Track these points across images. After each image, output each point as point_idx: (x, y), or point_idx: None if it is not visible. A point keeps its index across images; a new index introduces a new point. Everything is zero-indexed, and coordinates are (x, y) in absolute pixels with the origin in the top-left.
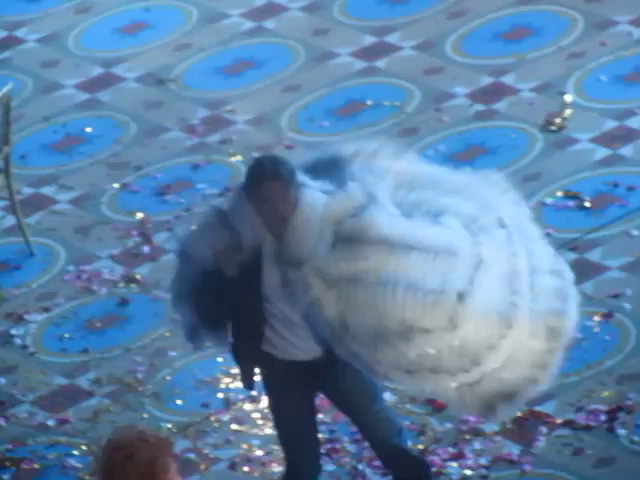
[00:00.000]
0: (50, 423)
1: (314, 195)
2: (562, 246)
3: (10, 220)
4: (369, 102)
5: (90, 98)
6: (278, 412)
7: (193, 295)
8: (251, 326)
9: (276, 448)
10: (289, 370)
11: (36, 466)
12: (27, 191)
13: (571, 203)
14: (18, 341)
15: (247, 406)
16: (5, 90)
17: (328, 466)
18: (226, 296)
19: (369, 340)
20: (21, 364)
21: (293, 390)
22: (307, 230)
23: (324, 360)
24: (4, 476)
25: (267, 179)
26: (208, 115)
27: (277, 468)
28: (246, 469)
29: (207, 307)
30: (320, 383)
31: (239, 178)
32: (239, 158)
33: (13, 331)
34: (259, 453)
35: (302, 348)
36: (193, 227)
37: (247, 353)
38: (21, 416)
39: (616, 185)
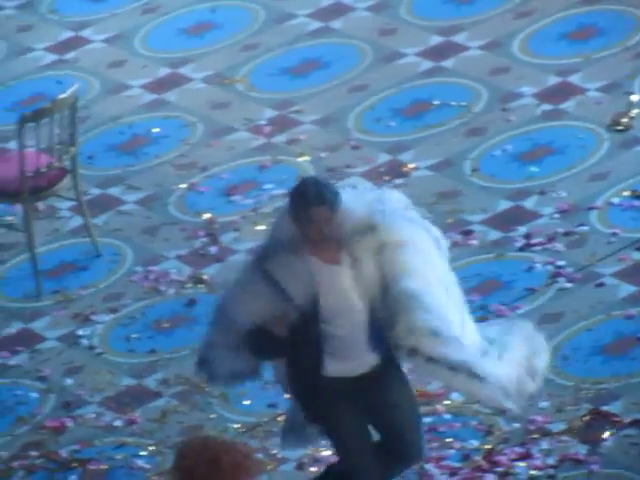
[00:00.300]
0: (117, 424)
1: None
2: (628, 246)
3: (77, 221)
4: (436, 102)
5: (157, 99)
6: (340, 429)
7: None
8: (309, 356)
9: None
10: (340, 386)
11: (103, 467)
12: (94, 192)
13: (638, 203)
14: (85, 342)
15: None
16: (71, 91)
17: None
18: (276, 344)
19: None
20: (88, 365)
21: (350, 405)
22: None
23: (375, 372)
24: (71, 477)
25: (314, 204)
26: (275, 115)
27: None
28: (313, 469)
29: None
30: (366, 398)
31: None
32: (306, 158)
33: (80, 332)
34: (326, 454)
35: (357, 361)
36: (234, 283)
37: (305, 382)
38: (88, 417)
39: None
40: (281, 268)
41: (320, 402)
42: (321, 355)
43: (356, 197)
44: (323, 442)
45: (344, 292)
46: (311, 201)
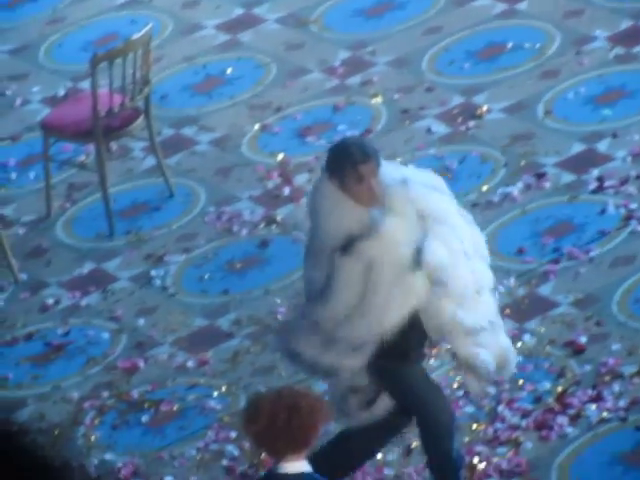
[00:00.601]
0: (190, 364)
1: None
2: None
3: (150, 161)
4: (509, 45)
5: (231, 39)
6: (412, 374)
7: None
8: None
9: None
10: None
11: (175, 408)
12: (167, 132)
13: None
14: (158, 282)
15: None
16: (145, 31)
17: (467, 408)
18: None
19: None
20: (161, 305)
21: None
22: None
23: None
24: (143, 418)
25: (361, 161)
26: (349, 57)
27: None
28: None
29: None
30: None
31: (380, 120)
32: (379, 100)
33: (153, 272)
34: None
35: None
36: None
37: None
38: (160, 358)
39: None
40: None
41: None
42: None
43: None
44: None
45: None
46: (358, 158)
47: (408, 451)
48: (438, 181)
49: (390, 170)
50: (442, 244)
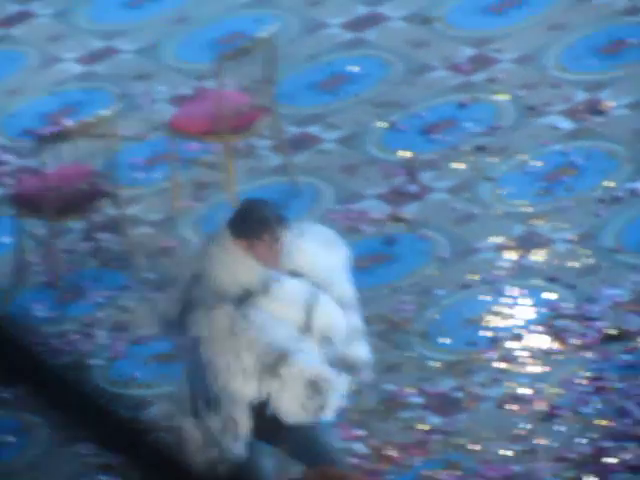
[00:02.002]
0: None
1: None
2: None
3: (276, 159)
4: (633, 40)
5: (356, 37)
6: None
7: None
8: None
9: (543, 387)
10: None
11: None
12: (293, 130)
13: None
14: None
15: (514, 345)
16: (271, 29)
17: (595, 405)
18: None
19: None
20: None
21: None
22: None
23: None
24: None
25: (277, 226)
26: (473, 54)
27: (543, 407)
28: (513, 407)
29: None
30: None
31: (505, 117)
32: (505, 96)
33: None
34: (526, 391)
35: None
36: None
37: None
38: None
39: None
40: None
41: None
42: None
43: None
44: None
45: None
46: (275, 224)
47: None
48: (332, 236)
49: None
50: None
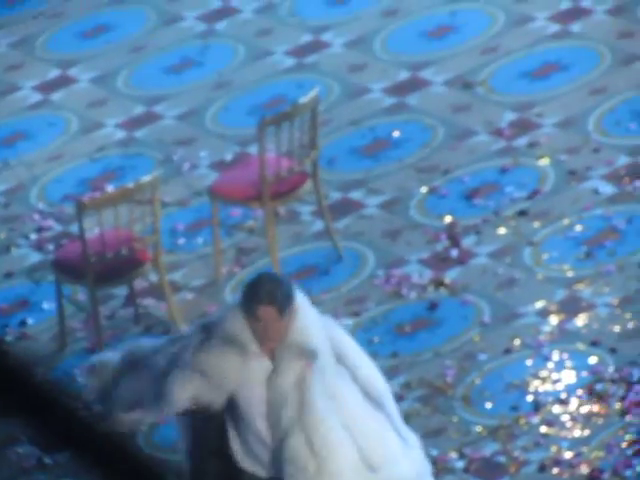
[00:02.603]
0: None
1: (310, 315)
2: None
3: (319, 224)
4: None
5: (398, 102)
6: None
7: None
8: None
9: (585, 450)
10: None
11: None
12: (335, 195)
13: None
14: None
15: (556, 409)
16: (312, 94)
17: (637, 468)
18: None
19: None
20: None
21: None
22: (311, 332)
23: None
24: None
25: (261, 303)
26: (515, 118)
27: (586, 470)
28: (555, 471)
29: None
30: None
31: (547, 181)
32: (547, 161)
33: None
34: (568, 455)
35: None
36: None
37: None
38: None
39: None
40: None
41: None
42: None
43: (317, 316)
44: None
45: (255, 387)
46: (259, 298)
47: None
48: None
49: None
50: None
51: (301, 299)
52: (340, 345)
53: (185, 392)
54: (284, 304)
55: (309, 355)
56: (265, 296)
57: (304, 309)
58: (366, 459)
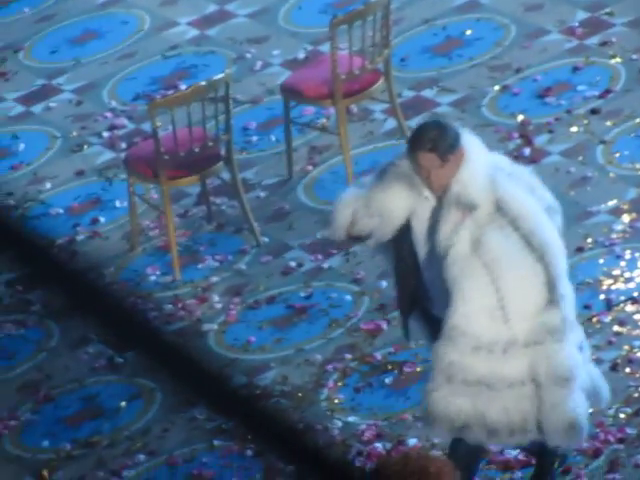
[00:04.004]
0: None
1: (480, 156)
2: None
3: (391, 123)
4: None
5: (470, 1)
6: None
7: None
8: (403, 275)
9: None
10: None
11: (419, 369)
12: (407, 94)
13: None
14: None
15: (629, 308)
16: None
17: None
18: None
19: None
20: None
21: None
22: (472, 183)
23: None
24: (386, 379)
25: (422, 149)
26: (587, 17)
27: None
28: (628, 370)
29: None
30: None
31: (619, 80)
32: (619, 60)
33: None
34: None
35: (439, 304)
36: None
37: (405, 306)
38: None
39: None
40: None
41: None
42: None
43: (485, 165)
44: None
45: (423, 227)
46: (422, 145)
47: None
48: (535, 181)
49: (481, 181)
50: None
51: (472, 148)
52: (505, 195)
53: (345, 212)
54: (445, 152)
55: (467, 207)
56: (426, 142)
57: (473, 160)
58: (503, 308)
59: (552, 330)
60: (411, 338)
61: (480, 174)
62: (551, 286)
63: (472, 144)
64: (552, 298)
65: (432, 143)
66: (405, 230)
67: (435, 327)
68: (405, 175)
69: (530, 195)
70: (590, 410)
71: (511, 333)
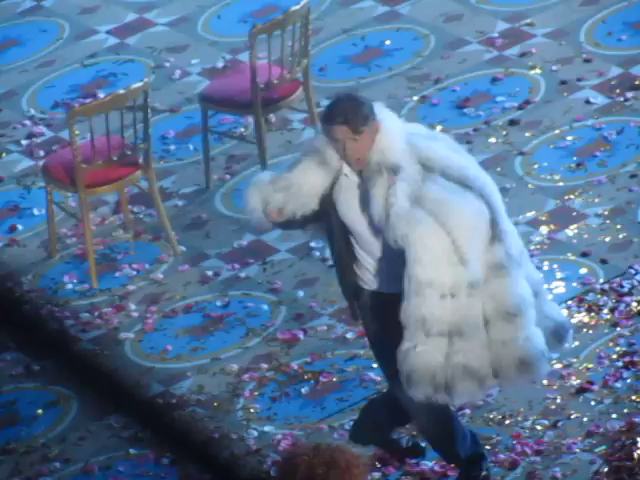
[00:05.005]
0: (349, 336)
1: (395, 125)
2: None
3: (309, 132)
4: None
5: (390, 11)
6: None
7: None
8: (339, 256)
9: (575, 361)
10: (375, 300)
11: (335, 379)
12: (326, 103)
13: None
14: (317, 254)
15: None
16: (304, 3)
17: (626, 379)
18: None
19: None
20: (321, 277)
21: (378, 319)
22: (391, 150)
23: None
24: (303, 389)
25: (335, 122)
26: (507, 28)
27: (576, 381)
28: (545, 382)
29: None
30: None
31: (538, 91)
32: (538, 71)
33: (313, 244)
34: (558, 366)
35: (384, 279)
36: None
37: (343, 283)
38: (320, 329)
39: None
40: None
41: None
42: (349, 258)
43: (401, 133)
44: None
45: (353, 205)
46: (334, 118)
47: None
48: (458, 146)
49: (398, 147)
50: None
51: (386, 120)
52: (427, 153)
53: (254, 192)
54: (358, 124)
55: (391, 171)
56: (339, 115)
57: (388, 130)
58: (457, 250)
59: (496, 266)
60: (358, 317)
61: (397, 141)
62: (493, 222)
63: (386, 116)
64: (494, 234)
65: (344, 116)
66: (333, 212)
67: (383, 308)
68: (316, 151)
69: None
70: (555, 353)
71: (470, 274)
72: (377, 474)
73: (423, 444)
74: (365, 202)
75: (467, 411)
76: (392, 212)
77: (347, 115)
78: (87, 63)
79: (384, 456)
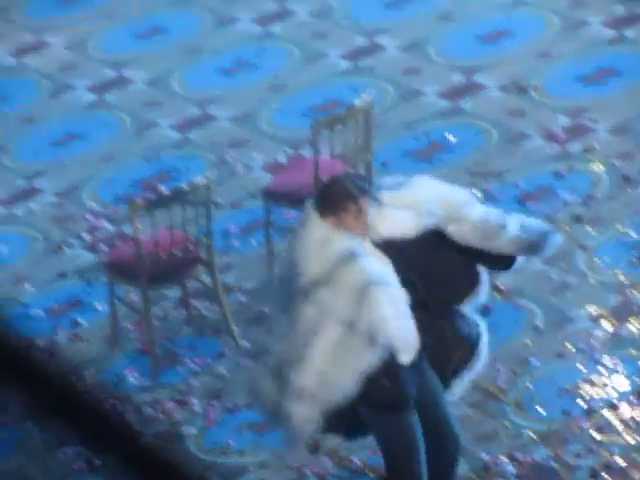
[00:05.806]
0: None
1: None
2: None
3: None
4: None
5: (452, 106)
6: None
7: None
8: None
9: (637, 456)
10: None
11: None
12: None
13: None
14: None
15: (608, 414)
16: (366, 98)
17: None
18: None
19: None
20: None
21: None
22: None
23: None
24: None
25: (361, 196)
26: (569, 123)
27: (637, 476)
28: (606, 477)
29: None
30: None
31: (600, 186)
32: (601, 167)
33: None
34: (620, 461)
35: None
36: None
37: None
38: None
39: None
40: None
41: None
42: None
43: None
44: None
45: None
46: (362, 192)
47: None
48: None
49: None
50: None
51: None
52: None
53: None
54: (364, 194)
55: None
56: (357, 190)
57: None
58: None
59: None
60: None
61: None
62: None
63: None
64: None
65: (360, 189)
66: None
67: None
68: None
69: None
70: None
71: None
72: None
73: None
74: (417, 267)
75: None
76: None
77: (360, 187)
78: (149, 157)
79: None
